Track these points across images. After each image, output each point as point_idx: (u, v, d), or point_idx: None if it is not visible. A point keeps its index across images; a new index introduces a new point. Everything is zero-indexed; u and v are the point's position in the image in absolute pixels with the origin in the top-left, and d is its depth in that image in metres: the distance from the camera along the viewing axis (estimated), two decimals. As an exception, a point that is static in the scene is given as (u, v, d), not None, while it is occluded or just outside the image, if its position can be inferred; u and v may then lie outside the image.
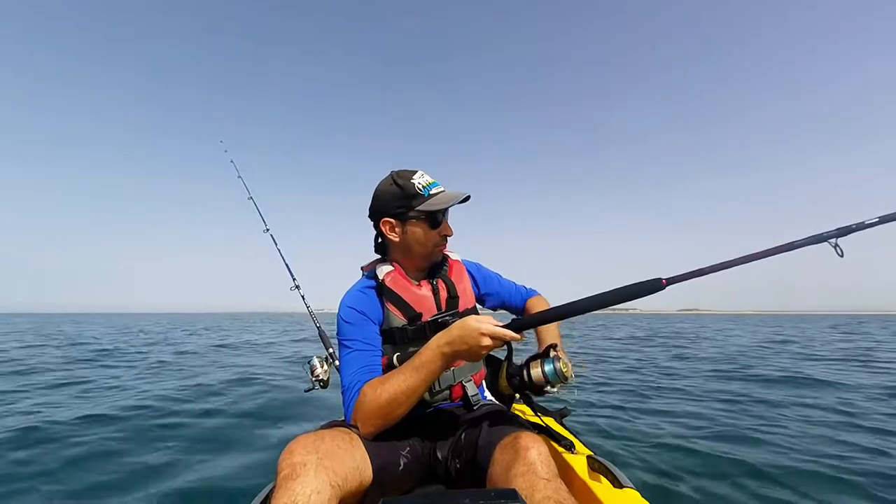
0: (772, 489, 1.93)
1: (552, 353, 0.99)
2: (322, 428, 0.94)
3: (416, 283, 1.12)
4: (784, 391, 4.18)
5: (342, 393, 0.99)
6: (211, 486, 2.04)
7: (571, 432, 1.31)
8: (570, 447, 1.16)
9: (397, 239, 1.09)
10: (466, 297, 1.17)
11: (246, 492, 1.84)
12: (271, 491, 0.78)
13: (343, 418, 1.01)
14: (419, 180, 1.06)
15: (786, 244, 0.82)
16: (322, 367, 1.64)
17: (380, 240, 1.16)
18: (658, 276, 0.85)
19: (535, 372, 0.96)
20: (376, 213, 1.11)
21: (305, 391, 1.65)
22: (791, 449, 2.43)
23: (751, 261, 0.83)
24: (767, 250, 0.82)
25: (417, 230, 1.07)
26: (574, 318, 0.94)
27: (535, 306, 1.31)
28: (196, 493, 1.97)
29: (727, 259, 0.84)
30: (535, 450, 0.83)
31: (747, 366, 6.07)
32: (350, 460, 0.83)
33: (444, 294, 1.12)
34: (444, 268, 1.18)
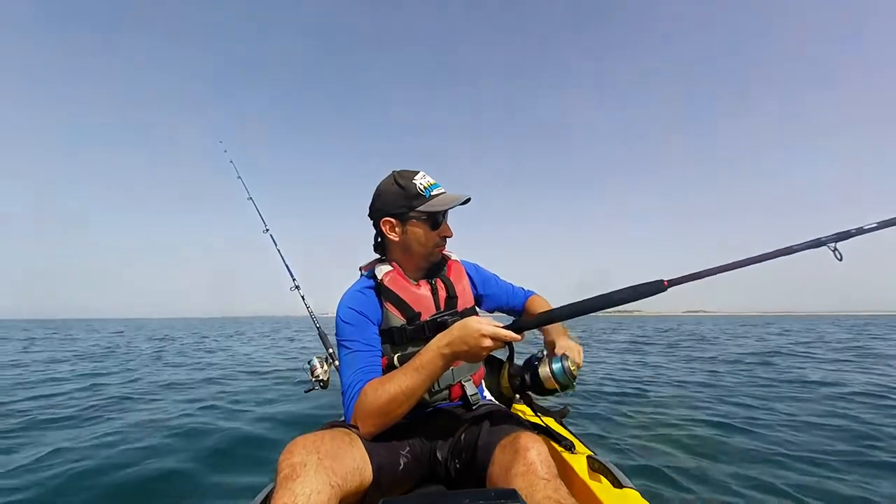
0: (771, 489, 1.93)
1: (558, 353, 0.98)
2: (322, 428, 0.94)
3: (415, 282, 1.11)
4: (785, 391, 4.18)
5: (342, 393, 0.99)
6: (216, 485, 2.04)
7: (571, 432, 1.31)
8: (570, 447, 1.16)
9: (397, 239, 1.09)
10: (465, 296, 1.17)
11: (247, 492, 1.84)
12: (271, 491, 0.78)
13: (343, 418, 1.01)
14: (421, 181, 1.06)
15: (784, 248, 0.82)
16: (322, 367, 1.64)
17: (379, 239, 1.16)
18: (660, 278, 0.85)
19: (543, 371, 0.95)
20: (377, 213, 1.11)
21: (305, 391, 1.65)
22: (791, 449, 2.43)
23: (749, 264, 0.83)
24: (766, 254, 0.83)
25: (418, 231, 1.07)
26: (576, 319, 0.94)
27: (535, 306, 1.31)
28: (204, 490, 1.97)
29: (727, 262, 0.85)
30: (534, 450, 0.82)
31: (750, 367, 6.07)
32: (350, 460, 0.83)
33: (442, 294, 1.12)
34: (443, 268, 1.18)
